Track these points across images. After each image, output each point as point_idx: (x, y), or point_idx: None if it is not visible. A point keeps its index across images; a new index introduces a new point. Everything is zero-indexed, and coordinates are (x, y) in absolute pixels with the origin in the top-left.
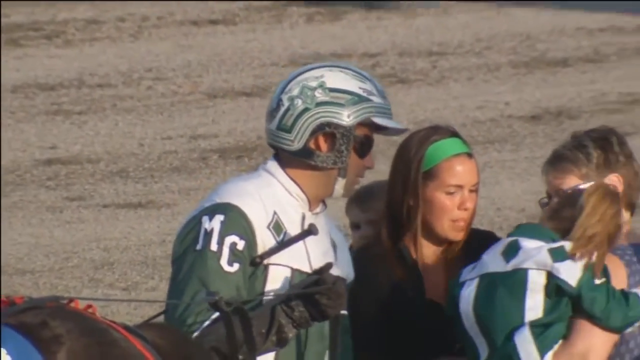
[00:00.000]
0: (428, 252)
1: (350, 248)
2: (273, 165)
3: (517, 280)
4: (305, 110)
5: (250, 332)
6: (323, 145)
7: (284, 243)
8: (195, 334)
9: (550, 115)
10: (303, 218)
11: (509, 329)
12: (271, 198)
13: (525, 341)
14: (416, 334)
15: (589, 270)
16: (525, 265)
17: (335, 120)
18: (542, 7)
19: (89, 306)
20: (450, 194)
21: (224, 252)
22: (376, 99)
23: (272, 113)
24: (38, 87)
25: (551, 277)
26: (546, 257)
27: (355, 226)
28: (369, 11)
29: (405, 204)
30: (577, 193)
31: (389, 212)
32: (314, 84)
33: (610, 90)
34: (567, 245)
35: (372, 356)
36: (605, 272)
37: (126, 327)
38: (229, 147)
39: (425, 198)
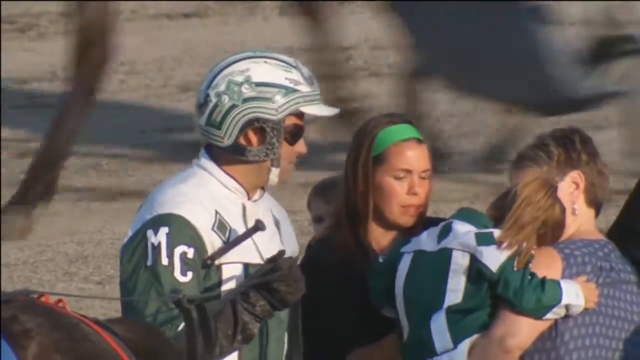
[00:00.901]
0: (381, 238)
1: (313, 239)
2: (207, 161)
3: (441, 260)
4: (233, 107)
5: (208, 329)
6: (254, 139)
7: (233, 242)
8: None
9: None
10: (244, 209)
11: (428, 312)
12: (209, 197)
13: (440, 327)
14: (376, 320)
15: (513, 259)
16: (450, 246)
17: (263, 115)
18: None
19: (59, 300)
20: (399, 178)
21: (176, 263)
22: (303, 88)
23: (200, 108)
24: (12, 81)
25: (474, 260)
26: (472, 240)
27: (318, 219)
28: (341, 4)
29: (357, 190)
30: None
31: (345, 199)
32: (240, 78)
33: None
34: (497, 232)
35: (338, 341)
36: (528, 263)
37: (97, 322)
38: (202, 140)
39: (376, 183)
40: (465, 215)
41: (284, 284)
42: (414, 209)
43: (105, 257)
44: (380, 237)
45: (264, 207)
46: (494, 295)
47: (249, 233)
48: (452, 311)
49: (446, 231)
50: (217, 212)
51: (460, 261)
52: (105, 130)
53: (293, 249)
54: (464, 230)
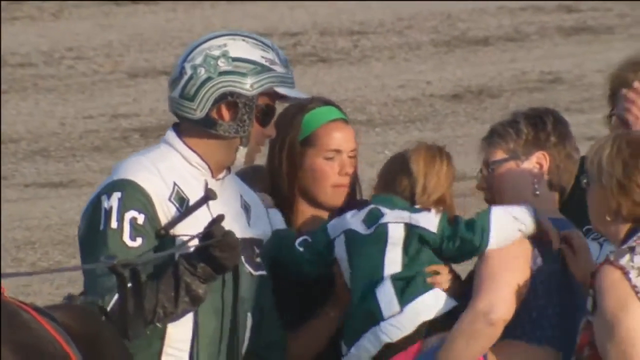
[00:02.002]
0: (309, 219)
1: None
2: (171, 135)
3: (377, 237)
4: (208, 79)
5: (139, 291)
6: (225, 114)
7: (185, 211)
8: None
9: (471, 94)
10: (206, 185)
11: (371, 285)
12: (170, 169)
13: (386, 294)
14: (309, 297)
15: (444, 215)
16: (384, 221)
17: (237, 90)
18: None
19: None
20: (329, 159)
21: (125, 228)
22: (279, 69)
23: (175, 81)
24: None
25: (411, 228)
26: (404, 212)
27: None
28: None
29: (283, 175)
30: (403, 159)
31: (271, 185)
32: (217, 52)
33: (531, 69)
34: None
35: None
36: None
37: (36, 308)
38: (150, 126)
39: (306, 166)
40: (385, 201)
41: (218, 249)
42: (344, 188)
43: (52, 243)
44: (309, 220)
45: (232, 190)
46: (437, 254)
47: (200, 203)
48: (396, 279)
49: (375, 215)
50: (175, 184)
51: (396, 234)
52: (52, 116)
53: (263, 231)
54: (391, 208)
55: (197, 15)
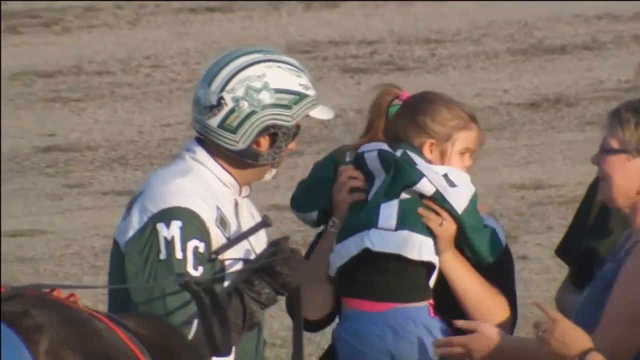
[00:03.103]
0: None
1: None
2: (202, 154)
3: (408, 175)
4: (252, 113)
5: (220, 308)
6: (264, 144)
7: (240, 236)
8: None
9: (548, 103)
10: (236, 205)
11: (375, 204)
12: (209, 192)
13: (389, 208)
14: None
15: (473, 202)
16: (424, 172)
17: (280, 122)
18: None
19: (71, 295)
20: None
21: (189, 257)
22: (311, 92)
23: (211, 109)
24: (36, 75)
25: (440, 197)
26: (442, 180)
27: None
28: None
29: None
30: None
31: None
32: (258, 84)
33: (607, 77)
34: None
35: None
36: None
37: (109, 317)
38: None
39: None
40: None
41: (286, 267)
42: None
43: None
44: None
45: (248, 204)
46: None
47: (256, 228)
48: (405, 201)
49: (411, 161)
50: (218, 208)
51: (426, 188)
52: (130, 124)
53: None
54: (430, 166)
55: (273, 23)
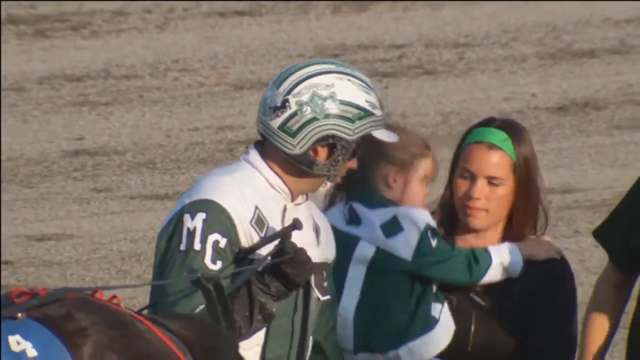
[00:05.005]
0: None
1: None
2: (256, 158)
3: (347, 246)
4: (314, 119)
5: (226, 306)
6: (322, 153)
7: (269, 237)
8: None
9: (576, 107)
10: (284, 210)
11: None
12: (252, 192)
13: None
14: None
15: (424, 236)
16: (357, 234)
17: (340, 134)
18: None
19: (114, 297)
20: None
21: (207, 250)
22: (378, 112)
23: (275, 110)
24: (65, 79)
25: (382, 252)
26: (379, 234)
27: None
28: (395, 2)
29: None
30: None
31: None
32: (325, 93)
33: (636, 81)
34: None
35: None
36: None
37: (151, 319)
38: (255, 138)
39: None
40: (365, 197)
41: (290, 266)
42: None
43: None
44: None
45: (306, 212)
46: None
47: (286, 231)
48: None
49: (355, 217)
50: (257, 208)
51: (365, 251)
52: (158, 128)
53: (329, 255)
54: (370, 218)
55: (303, 27)
